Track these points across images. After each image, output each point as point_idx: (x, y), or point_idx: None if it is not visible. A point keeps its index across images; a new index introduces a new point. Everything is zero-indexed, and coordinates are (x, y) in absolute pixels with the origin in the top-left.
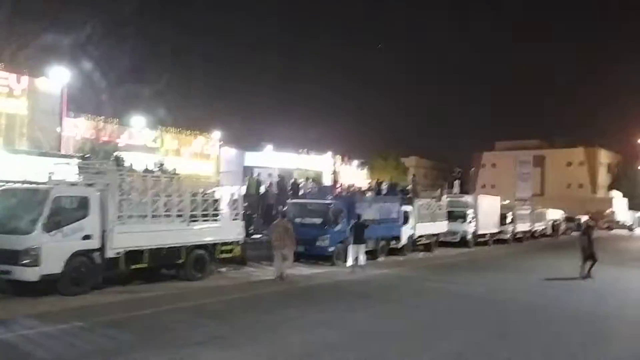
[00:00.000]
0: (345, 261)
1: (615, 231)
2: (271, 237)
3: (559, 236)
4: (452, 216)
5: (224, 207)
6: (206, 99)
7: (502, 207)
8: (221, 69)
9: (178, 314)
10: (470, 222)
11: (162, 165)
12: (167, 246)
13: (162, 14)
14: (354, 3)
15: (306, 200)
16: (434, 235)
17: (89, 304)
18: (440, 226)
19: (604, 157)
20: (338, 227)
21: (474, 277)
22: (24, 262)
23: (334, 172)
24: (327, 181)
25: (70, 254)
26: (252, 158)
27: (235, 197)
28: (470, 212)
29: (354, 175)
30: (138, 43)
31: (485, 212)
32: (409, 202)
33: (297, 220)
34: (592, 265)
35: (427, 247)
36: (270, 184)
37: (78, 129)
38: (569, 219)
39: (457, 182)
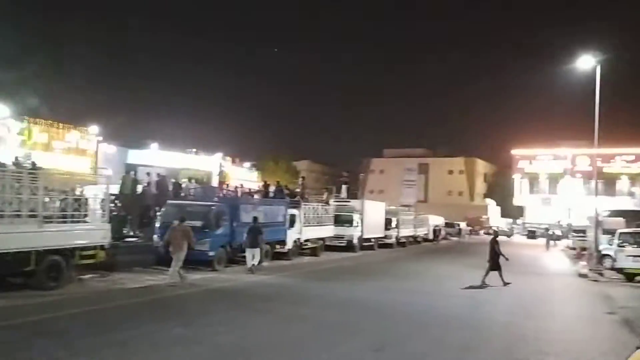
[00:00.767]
0: (227, 266)
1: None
2: (168, 241)
3: (440, 241)
4: (339, 220)
5: (91, 208)
6: (85, 91)
7: (387, 212)
8: (108, 62)
9: (7, 333)
10: (356, 226)
11: (29, 159)
12: (13, 251)
13: None
14: (249, 1)
15: (186, 201)
16: (320, 239)
17: None
18: (327, 230)
19: (481, 166)
20: (220, 231)
21: (358, 282)
22: None
23: (220, 173)
24: (214, 182)
25: None
26: (135, 156)
27: (101, 196)
28: (356, 216)
29: (245, 177)
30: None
31: (371, 216)
32: (296, 205)
33: (176, 222)
34: (486, 274)
35: (314, 252)
36: (149, 183)
37: None
38: (448, 225)
39: (344, 187)
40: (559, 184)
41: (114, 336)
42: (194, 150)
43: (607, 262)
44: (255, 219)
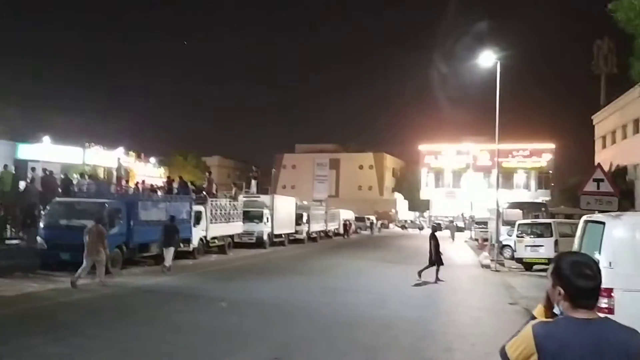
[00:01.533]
0: (123, 268)
1: (410, 230)
2: (84, 243)
3: (350, 235)
4: (248, 216)
5: None
6: None
7: (298, 207)
8: None
9: None
10: (266, 222)
11: None
12: None
13: None
14: None
15: (74, 199)
16: (228, 236)
17: None
18: (236, 227)
19: (390, 162)
20: (114, 230)
21: (264, 281)
22: None
23: (119, 169)
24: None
25: None
26: (26, 151)
27: None
28: (266, 212)
29: (151, 173)
30: None
31: (282, 212)
32: (202, 201)
33: (63, 222)
34: (438, 270)
35: (222, 249)
36: (32, 179)
37: None
38: (359, 219)
39: (254, 182)
40: (462, 178)
41: None
42: (93, 144)
43: (507, 253)
44: (172, 217)
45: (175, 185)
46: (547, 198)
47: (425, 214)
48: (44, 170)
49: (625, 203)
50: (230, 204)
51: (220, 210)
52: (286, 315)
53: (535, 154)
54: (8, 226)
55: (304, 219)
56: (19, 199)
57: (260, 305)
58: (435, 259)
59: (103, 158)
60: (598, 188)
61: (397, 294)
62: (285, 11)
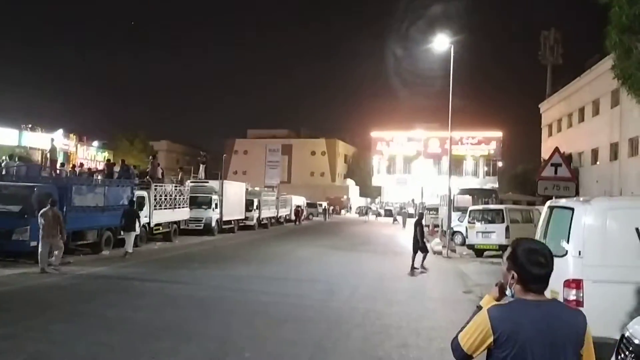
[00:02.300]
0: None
1: (369, 217)
2: (40, 227)
3: (302, 221)
4: (196, 202)
5: None
6: None
7: (248, 193)
8: None
9: None
10: (214, 208)
11: None
12: None
13: None
14: None
15: (1, 182)
16: (174, 222)
17: None
18: (182, 213)
19: (342, 148)
20: None
21: (207, 271)
22: None
23: (52, 150)
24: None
25: None
26: None
27: None
28: (215, 198)
29: (95, 157)
30: None
31: (231, 198)
32: (146, 186)
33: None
34: (424, 257)
35: (167, 237)
36: None
37: None
38: (310, 205)
39: (202, 167)
40: (412, 165)
41: None
42: (29, 126)
43: (458, 239)
44: (131, 202)
45: (116, 169)
46: (495, 185)
47: (377, 200)
48: None
49: None
50: (176, 190)
51: (165, 195)
52: (229, 310)
53: (484, 142)
54: None
55: (255, 205)
56: None
57: (202, 298)
58: (421, 247)
59: (41, 140)
60: (556, 173)
61: (348, 284)
62: None
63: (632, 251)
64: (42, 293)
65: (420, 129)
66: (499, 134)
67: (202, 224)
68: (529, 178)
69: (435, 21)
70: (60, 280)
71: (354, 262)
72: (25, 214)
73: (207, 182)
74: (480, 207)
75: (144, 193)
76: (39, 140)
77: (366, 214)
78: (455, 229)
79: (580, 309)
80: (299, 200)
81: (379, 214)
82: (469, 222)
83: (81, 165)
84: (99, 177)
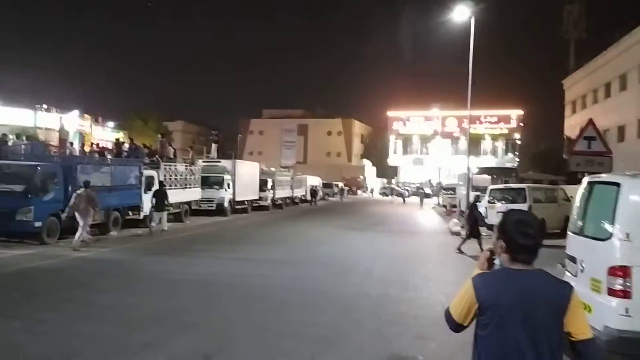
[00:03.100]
0: (63, 238)
1: (389, 197)
2: (74, 207)
3: (317, 202)
4: (208, 182)
5: None
6: None
7: (262, 173)
8: None
9: None
10: (227, 188)
11: None
12: None
13: None
14: None
15: (5, 162)
16: (185, 203)
17: None
18: (193, 193)
19: (358, 128)
20: (48, 196)
21: (215, 252)
22: None
23: (61, 130)
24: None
25: None
26: None
27: None
28: (227, 178)
29: (110, 138)
30: None
31: (244, 178)
32: (155, 166)
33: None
34: (480, 242)
35: (177, 217)
36: None
37: None
38: (326, 185)
39: (214, 146)
40: (429, 144)
41: None
42: (45, 106)
43: None
44: (161, 183)
45: (125, 147)
46: (515, 164)
47: (393, 181)
48: None
49: None
50: (187, 169)
51: (176, 175)
52: (230, 296)
53: (503, 120)
54: None
55: (269, 185)
56: None
57: (202, 284)
58: (476, 232)
59: (56, 121)
60: (589, 147)
61: (361, 266)
62: None
63: None
64: (35, 277)
65: (437, 108)
66: (519, 112)
67: (215, 204)
68: (551, 156)
69: None
70: (56, 263)
71: (369, 243)
72: (29, 194)
73: (220, 161)
74: (501, 186)
75: (153, 172)
76: (54, 121)
77: (392, 193)
78: None
79: (628, 300)
80: (315, 181)
81: (400, 194)
82: (489, 202)
83: (97, 145)
84: (109, 157)
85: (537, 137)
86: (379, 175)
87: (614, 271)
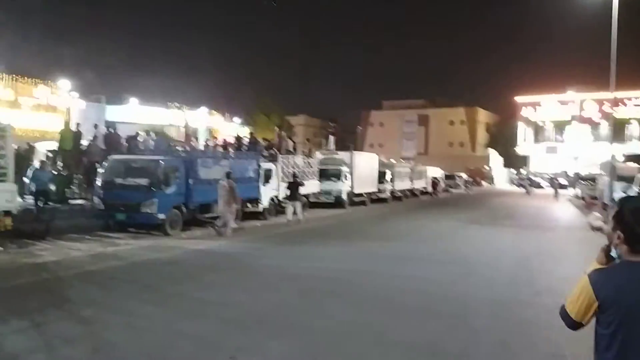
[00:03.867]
0: (186, 230)
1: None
2: (217, 198)
3: (439, 194)
4: (326, 175)
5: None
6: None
7: (381, 165)
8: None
9: None
10: (345, 181)
11: None
12: None
13: None
14: None
15: (129, 156)
16: (303, 195)
17: None
18: (311, 186)
19: (483, 116)
20: (171, 189)
21: (332, 247)
22: None
23: (186, 126)
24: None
25: None
26: (114, 112)
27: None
28: (345, 170)
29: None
30: None
31: (362, 170)
32: (273, 159)
33: (118, 180)
34: None
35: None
36: (95, 137)
37: None
38: (448, 177)
39: (332, 138)
40: (565, 131)
41: None
42: (177, 104)
43: None
44: (294, 174)
45: (245, 142)
46: None
47: (523, 171)
48: (107, 127)
49: None
50: (304, 162)
51: (294, 168)
52: (337, 296)
53: None
54: (72, 186)
55: (388, 177)
56: (80, 158)
57: (310, 281)
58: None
59: (187, 118)
60: None
61: (487, 264)
62: None
63: None
64: (150, 269)
65: (573, 91)
66: None
67: (333, 197)
68: None
69: None
70: (173, 256)
71: (495, 239)
72: (153, 187)
73: (337, 154)
74: None
75: (271, 165)
76: (184, 118)
77: (523, 186)
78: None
79: None
80: (436, 172)
81: (538, 185)
82: (638, 193)
83: (224, 140)
84: (231, 151)
85: None
86: (506, 165)
87: None
